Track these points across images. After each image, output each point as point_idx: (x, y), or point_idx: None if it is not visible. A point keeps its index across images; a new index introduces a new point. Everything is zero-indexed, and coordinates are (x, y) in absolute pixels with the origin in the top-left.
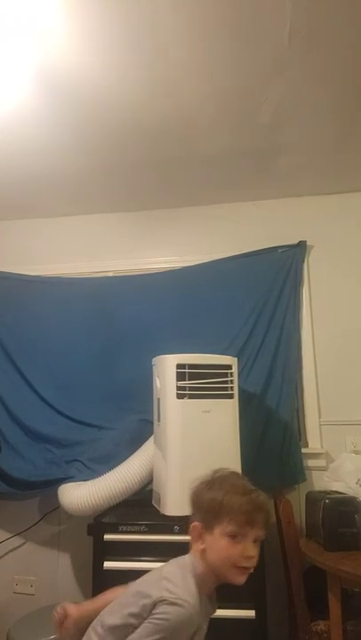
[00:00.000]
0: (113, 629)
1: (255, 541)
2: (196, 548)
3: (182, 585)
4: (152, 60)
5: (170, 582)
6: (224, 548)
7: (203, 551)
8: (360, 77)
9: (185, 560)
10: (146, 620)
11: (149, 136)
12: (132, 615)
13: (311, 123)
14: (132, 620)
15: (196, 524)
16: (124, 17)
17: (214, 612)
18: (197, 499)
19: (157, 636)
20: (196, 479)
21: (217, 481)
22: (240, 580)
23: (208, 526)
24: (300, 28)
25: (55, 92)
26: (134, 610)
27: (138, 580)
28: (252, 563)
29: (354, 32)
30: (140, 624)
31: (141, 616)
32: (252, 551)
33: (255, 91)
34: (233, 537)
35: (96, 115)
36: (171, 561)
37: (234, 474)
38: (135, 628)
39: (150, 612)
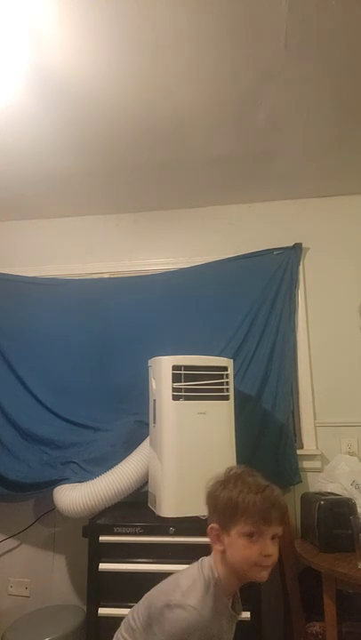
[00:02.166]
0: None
1: (273, 538)
2: (216, 549)
3: (192, 591)
4: (149, 63)
5: (179, 588)
6: (242, 548)
7: (222, 553)
8: (355, 81)
9: (204, 564)
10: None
11: (146, 138)
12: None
13: (307, 126)
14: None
15: (213, 525)
16: (123, 18)
17: (239, 614)
18: (213, 499)
19: (161, 639)
20: (211, 478)
21: (231, 480)
22: (262, 576)
23: (225, 527)
24: (295, 32)
25: (51, 93)
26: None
27: (156, 588)
28: (272, 560)
29: (349, 36)
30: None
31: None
32: (271, 549)
33: (251, 94)
34: (250, 536)
35: (93, 116)
36: (193, 564)
37: (247, 471)
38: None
39: (158, 617)
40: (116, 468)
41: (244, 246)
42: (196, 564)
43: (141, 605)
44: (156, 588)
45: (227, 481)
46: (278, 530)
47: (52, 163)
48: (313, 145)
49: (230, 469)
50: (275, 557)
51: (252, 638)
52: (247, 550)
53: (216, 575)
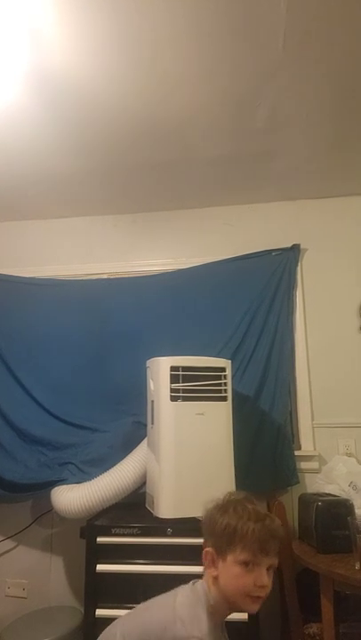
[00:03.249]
0: None
1: (268, 569)
2: (209, 574)
3: (193, 620)
4: (148, 63)
5: (180, 619)
6: (237, 576)
7: (215, 578)
8: (354, 81)
9: (197, 589)
10: None
11: (145, 138)
12: None
13: (305, 126)
14: None
15: (208, 549)
16: (122, 18)
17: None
18: (210, 523)
19: None
20: (209, 501)
21: (230, 505)
22: (253, 608)
23: (221, 552)
24: (294, 32)
25: (50, 93)
26: None
27: (148, 613)
28: (266, 592)
29: (348, 36)
30: None
31: None
32: (266, 580)
33: (250, 95)
34: (246, 565)
35: (92, 116)
36: (184, 589)
37: (247, 498)
38: None
39: None
40: (113, 469)
41: (243, 247)
42: (187, 588)
43: (134, 628)
44: (147, 611)
45: (226, 506)
46: (274, 561)
47: (51, 163)
48: (312, 146)
49: (230, 494)
50: (268, 589)
51: None
52: (241, 579)
53: (212, 602)
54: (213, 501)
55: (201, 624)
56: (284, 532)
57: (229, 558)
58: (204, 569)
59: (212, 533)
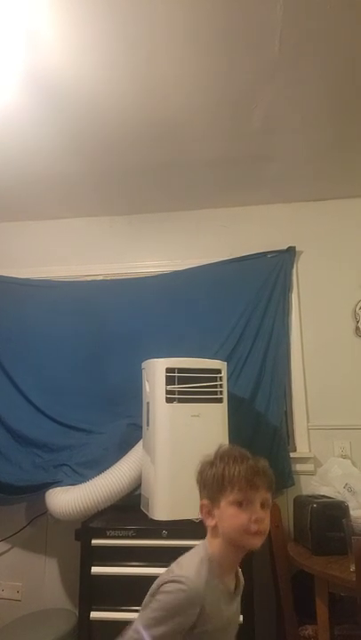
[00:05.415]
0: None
1: (262, 505)
2: (209, 525)
3: (188, 565)
4: (145, 65)
5: (177, 565)
6: (233, 516)
7: (214, 527)
8: (350, 83)
9: (199, 546)
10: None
11: (141, 140)
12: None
13: (301, 129)
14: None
15: (203, 502)
16: (119, 20)
17: (240, 589)
18: (201, 477)
19: (158, 614)
20: (200, 460)
21: (217, 457)
22: (256, 543)
23: (214, 501)
24: (290, 35)
25: (47, 94)
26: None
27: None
28: (264, 526)
29: (344, 38)
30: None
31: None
32: (261, 513)
33: (246, 97)
34: (239, 504)
35: (88, 118)
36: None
37: (233, 447)
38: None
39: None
40: (108, 470)
41: (239, 249)
42: (196, 547)
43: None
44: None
45: (214, 459)
46: (267, 495)
47: (47, 164)
48: (308, 148)
49: (218, 447)
50: (266, 523)
51: None
52: (237, 518)
53: (210, 550)
54: (203, 458)
55: (192, 568)
56: (272, 474)
57: (223, 503)
58: (204, 521)
59: (205, 486)
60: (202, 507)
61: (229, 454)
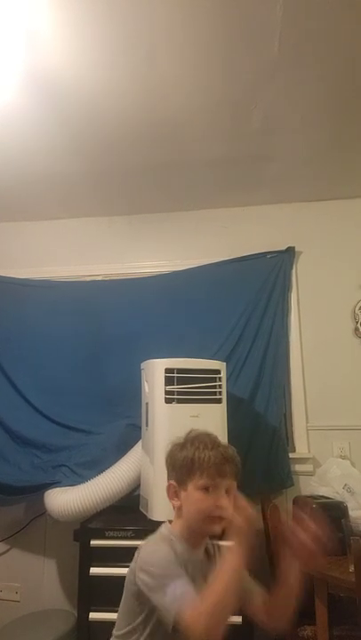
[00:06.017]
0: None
1: (227, 492)
2: (174, 505)
3: (154, 544)
4: (144, 65)
5: (143, 548)
6: (198, 500)
7: (179, 508)
8: (350, 83)
9: (160, 530)
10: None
11: (141, 140)
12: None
13: (301, 129)
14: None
15: (171, 482)
16: (119, 20)
17: (215, 558)
18: (171, 459)
19: (154, 581)
20: (170, 442)
21: (188, 440)
22: (216, 529)
23: (182, 483)
24: (290, 35)
25: (47, 94)
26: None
27: None
28: (226, 512)
29: (343, 39)
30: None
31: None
32: (224, 501)
33: (246, 97)
34: (205, 489)
35: (88, 118)
36: None
37: (204, 432)
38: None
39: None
40: (107, 471)
41: (238, 249)
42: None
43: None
44: None
45: (185, 442)
46: (232, 483)
47: (47, 164)
48: (307, 148)
49: (189, 432)
50: (229, 510)
51: None
52: (202, 502)
53: (173, 529)
54: (173, 440)
55: (167, 547)
56: (239, 462)
57: (190, 487)
58: (169, 500)
59: (173, 467)
60: (169, 487)
61: (200, 439)
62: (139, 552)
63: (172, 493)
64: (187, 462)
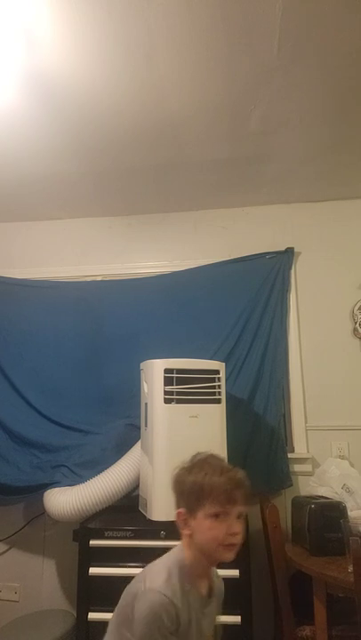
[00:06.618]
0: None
1: (238, 517)
2: (184, 534)
3: (159, 572)
4: (143, 66)
5: (148, 572)
6: (209, 529)
7: (190, 537)
8: (348, 84)
9: (173, 551)
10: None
11: (140, 141)
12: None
13: (300, 130)
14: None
15: (180, 510)
16: (117, 21)
17: (215, 592)
18: (179, 485)
19: (143, 630)
20: (177, 466)
21: (196, 465)
22: (229, 557)
23: (191, 511)
24: (289, 36)
25: (45, 95)
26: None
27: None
28: (238, 539)
29: (342, 40)
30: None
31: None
32: (237, 527)
33: (245, 98)
34: (216, 517)
35: (87, 119)
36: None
37: (212, 456)
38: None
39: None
40: (106, 471)
41: (237, 250)
42: (168, 553)
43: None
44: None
45: (192, 466)
46: (243, 509)
47: (46, 165)
48: (306, 149)
49: (196, 455)
50: (240, 536)
51: None
52: (214, 530)
53: (182, 557)
54: (180, 464)
55: (162, 579)
56: (249, 486)
57: (200, 514)
58: (179, 529)
59: (182, 494)
60: (178, 515)
61: (209, 464)
62: (144, 582)
63: (182, 522)
64: (196, 489)
